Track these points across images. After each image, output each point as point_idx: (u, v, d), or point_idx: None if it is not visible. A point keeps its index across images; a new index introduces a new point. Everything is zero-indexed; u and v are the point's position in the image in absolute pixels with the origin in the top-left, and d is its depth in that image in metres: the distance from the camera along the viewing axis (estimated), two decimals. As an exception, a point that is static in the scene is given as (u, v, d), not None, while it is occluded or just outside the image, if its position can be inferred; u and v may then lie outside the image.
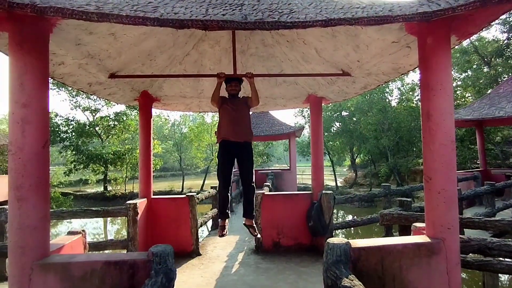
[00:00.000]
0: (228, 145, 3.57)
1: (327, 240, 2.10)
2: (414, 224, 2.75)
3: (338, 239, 2.12)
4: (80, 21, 2.33)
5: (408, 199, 4.73)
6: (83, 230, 3.14)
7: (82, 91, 3.86)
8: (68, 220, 14.37)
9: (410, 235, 2.97)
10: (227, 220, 3.77)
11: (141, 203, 4.54)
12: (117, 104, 4.93)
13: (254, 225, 3.66)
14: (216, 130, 3.84)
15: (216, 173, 3.82)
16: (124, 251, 4.59)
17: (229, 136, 3.56)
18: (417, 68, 3.16)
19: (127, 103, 4.84)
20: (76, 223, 15.56)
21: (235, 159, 3.71)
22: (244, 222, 3.70)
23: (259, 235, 3.61)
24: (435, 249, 2.29)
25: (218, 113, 3.78)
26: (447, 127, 2.32)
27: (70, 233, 3.08)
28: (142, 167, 4.86)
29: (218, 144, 3.70)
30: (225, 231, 3.69)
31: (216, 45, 3.99)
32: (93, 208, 4.89)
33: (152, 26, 1.92)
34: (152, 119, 5.07)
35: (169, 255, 2.08)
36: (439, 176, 2.33)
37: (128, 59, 3.48)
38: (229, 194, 3.66)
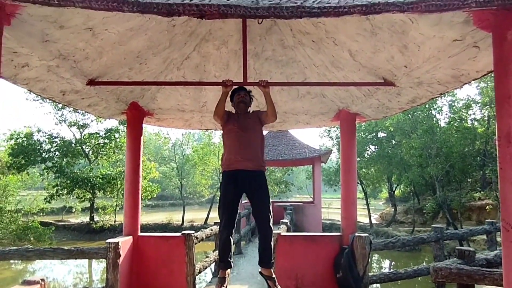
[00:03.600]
0: (235, 175, 3.39)
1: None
2: (488, 289, 2.36)
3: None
4: (46, 11, 2.20)
5: (471, 249, 4.37)
6: (42, 279, 2.95)
7: (54, 101, 3.73)
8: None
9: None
10: (228, 271, 3.57)
11: (124, 242, 4.38)
12: (101, 118, 4.84)
13: (274, 276, 3.40)
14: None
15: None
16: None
17: (236, 164, 3.38)
18: (486, 75, 2.90)
19: (113, 117, 4.72)
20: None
21: (244, 193, 3.54)
22: (260, 271, 3.48)
23: None
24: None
25: (222, 132, 3.61)
26: (537, 154, 1.98)
27: (26, 282, 2.90)
28: (128, 197, 4.69)
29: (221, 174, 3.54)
30: (225, 284, 3.48)
31: (223, 46, 3.85)
32: (65, 247, 4.69)
33: (130, 13, 1.72)
34: (142, 137, 4.93)
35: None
36: (527, 225, 1.97)
37: (111, 62, 3.33)
38: (231, 238, 3.47)
